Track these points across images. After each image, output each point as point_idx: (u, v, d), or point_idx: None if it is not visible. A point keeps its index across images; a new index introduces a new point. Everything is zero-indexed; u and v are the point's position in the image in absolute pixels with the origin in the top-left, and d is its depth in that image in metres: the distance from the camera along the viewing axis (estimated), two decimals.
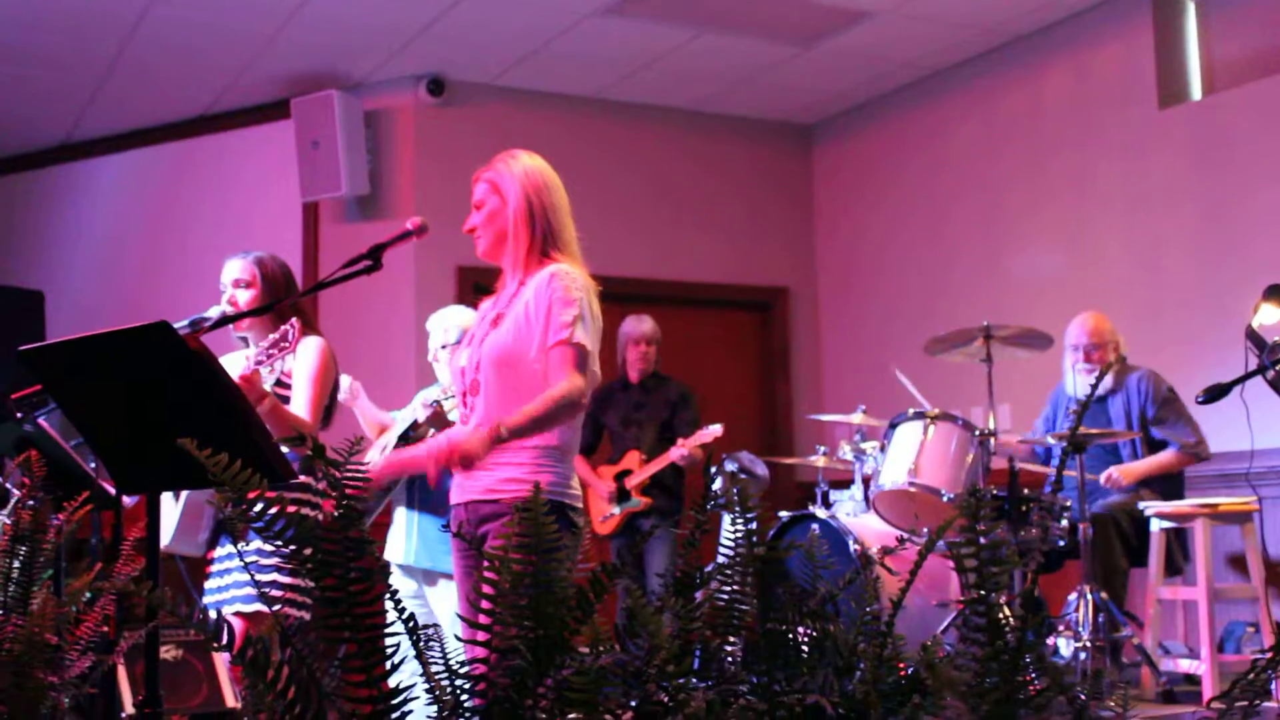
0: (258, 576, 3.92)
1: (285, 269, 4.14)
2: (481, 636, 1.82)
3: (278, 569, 3.88)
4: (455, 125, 7.64)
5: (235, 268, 4.08)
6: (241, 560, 3.82)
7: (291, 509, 1.84)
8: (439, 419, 4.40)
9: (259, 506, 1.77)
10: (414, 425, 4.52)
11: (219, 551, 4.02)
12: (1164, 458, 5.58)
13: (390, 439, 4.59)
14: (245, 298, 4.03)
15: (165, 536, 3.98)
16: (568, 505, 3.17)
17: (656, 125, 8.32)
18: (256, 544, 3.95)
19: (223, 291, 4.08)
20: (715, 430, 6.04)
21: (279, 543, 1.81)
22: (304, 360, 3.98)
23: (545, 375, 3.17)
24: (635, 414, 6.49)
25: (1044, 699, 1.68)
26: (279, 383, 3.98)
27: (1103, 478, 5.53)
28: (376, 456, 4.56)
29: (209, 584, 4.03)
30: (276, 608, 3.83)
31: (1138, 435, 5.60)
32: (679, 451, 6.11)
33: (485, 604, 1.81)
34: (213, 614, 3.69)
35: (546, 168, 3.37)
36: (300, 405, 3.93)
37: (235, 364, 4.13)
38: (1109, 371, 5.64)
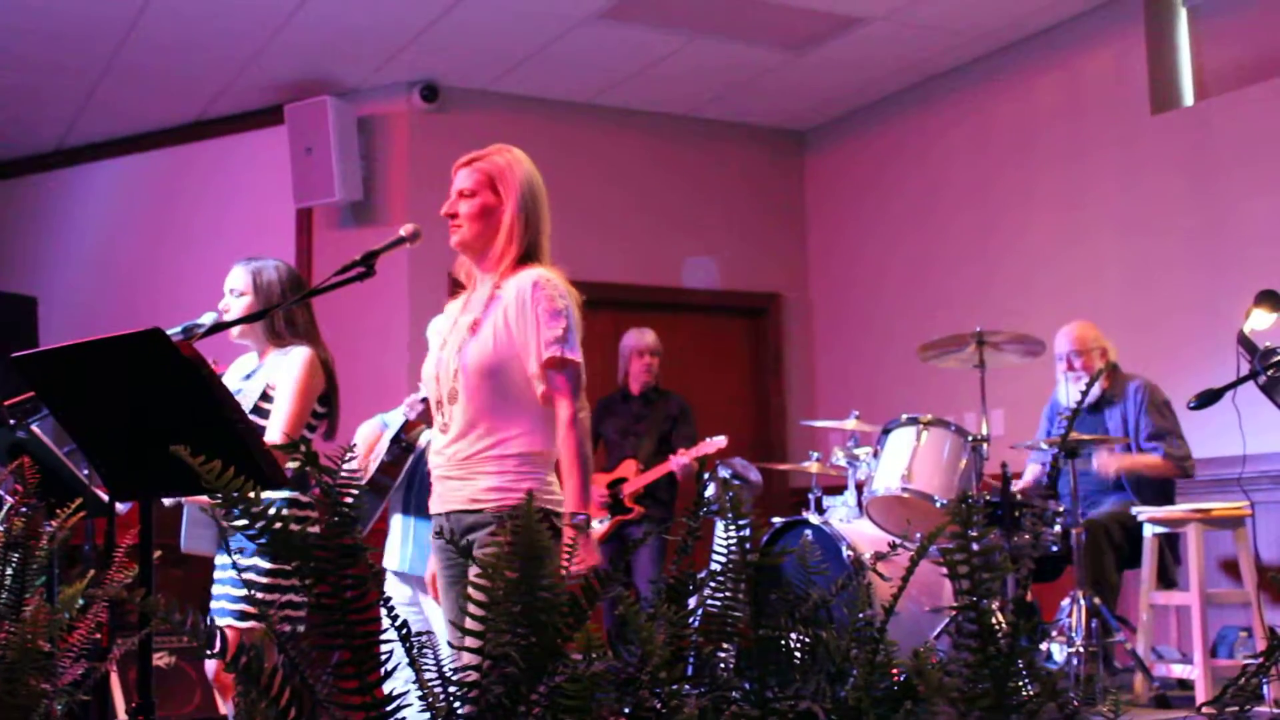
0: (226, 590, 3.91)
1: (284, 278, 4.09)
2: (470, 643, 1.81)
3: (232, 582, 3.87)
4: (449, 131, 7.64)
5: (234, 275, 4.09)
6: (237, 570, 3.83)
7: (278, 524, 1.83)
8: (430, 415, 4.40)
9: (249, 517, 1.76)
10: (406, 426, 4.52)
11: (216, 559, 4.02)
12: (1150, 458, 5.60)
13: (383, 445, 4.59)
14: (239, 305, 4.03)
15: (183, 538, 4.00)
16: (553, 512, 3.15)
17: (650, 131, 8.33)
18: (222, 558, 3.96)
19: (224, 296, 4.10)
20: (719, 442, 6.06)
21: (270, 552, 1.80)
22: (287, 373, 3.95)
23: (543, 391, 3.16)
24: (635, 425, 6.50)
25: (1035, 705, 1.69)
26: (264, 395, 3.97)
27: (1094, 461, 5.55)
28: (373, 465, 4.57)
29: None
30: (232, 622, 3.82)
31: (1128, 440, 5.61)
32: (679, 461, 6.12)
33: (477, 611, 1.81)
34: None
35: (539, 175, 3.33)
36: (278, 419, 3.88)
37: (243, 367, 4.14)
38: (1099, 378, 5.65)
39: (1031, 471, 5.96)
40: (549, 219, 3.31)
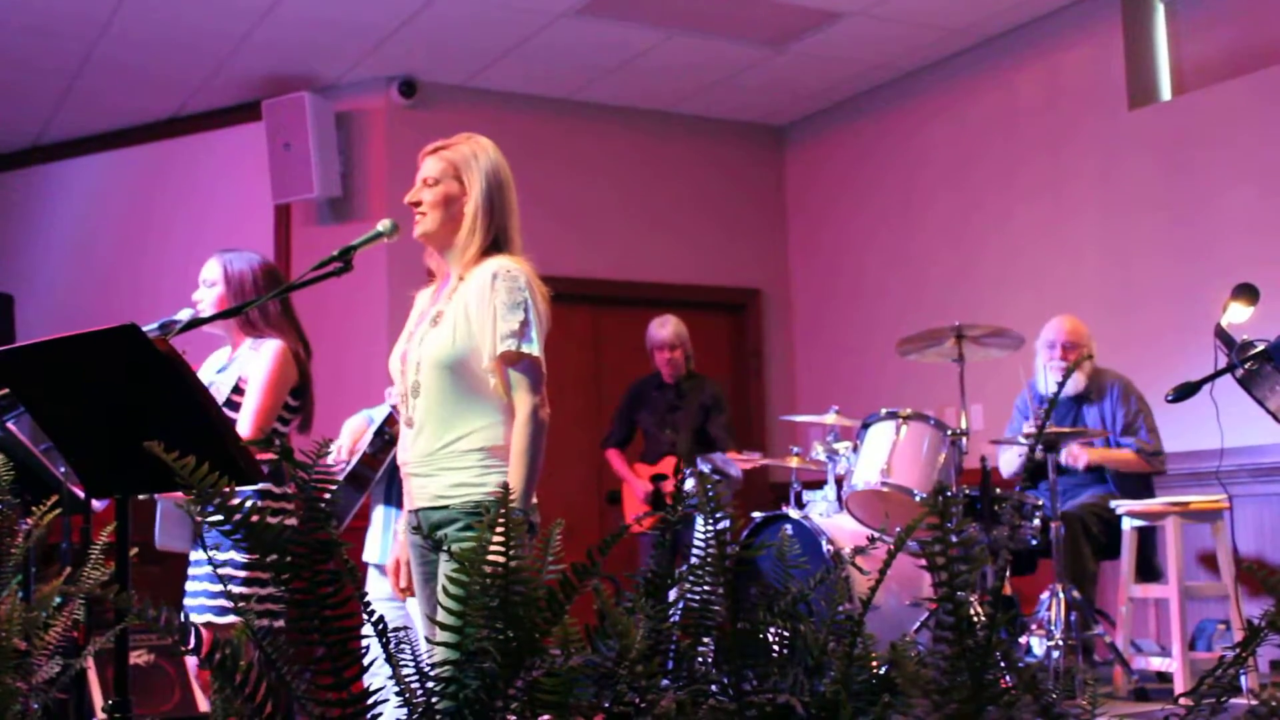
0: (203, 586, 3.90)
1: (256, 271, 4.08)
2: (443, 637, 1.81)
3: (209, 578, 3.86)
4: (427, 127, 7.53)
5: (207, 266, 4.11)
6: (213, 566, 3.82)
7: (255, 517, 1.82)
8: None
9: (224, 512, 1.75)
10: (390, 418, 4.51)
11: (191, 555, 4.01)
12: (1122, 453, 5.63)
13: (367, 438, 4.59)
14: (209, 296, 4.04)
15: (157, 535, 3.99)
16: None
17: (629, 127, 8.32)
18: (198, 554, 3.95)
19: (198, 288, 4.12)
20: (755, 457, 6.16)
21: (245, 546, 1.79)
22: (258, 366, 3.95)
23: (499, 385, 3.11)
24: (670, 415, 6.56)
25: (1011, 697, 1.69)
26: (235, 389, 3.96)
27: (1064, 453, 5.56)
28: (355, 457, 4.57)
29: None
30: (211, 619, 3.81)
31: (1106, 435, 5.63)
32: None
33: (455, 606, 1.81)
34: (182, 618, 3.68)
35: (506, 164, 3.26)
36: (248, 412, 3.88)
37: (217, 362, 4.13)
38: (1077, 367, 5.66)
39: (1008, 463, 5.94)
40: (516, 209, 3.25)
